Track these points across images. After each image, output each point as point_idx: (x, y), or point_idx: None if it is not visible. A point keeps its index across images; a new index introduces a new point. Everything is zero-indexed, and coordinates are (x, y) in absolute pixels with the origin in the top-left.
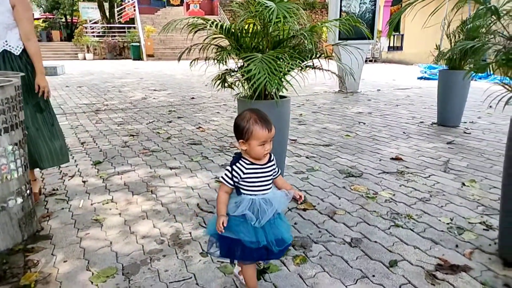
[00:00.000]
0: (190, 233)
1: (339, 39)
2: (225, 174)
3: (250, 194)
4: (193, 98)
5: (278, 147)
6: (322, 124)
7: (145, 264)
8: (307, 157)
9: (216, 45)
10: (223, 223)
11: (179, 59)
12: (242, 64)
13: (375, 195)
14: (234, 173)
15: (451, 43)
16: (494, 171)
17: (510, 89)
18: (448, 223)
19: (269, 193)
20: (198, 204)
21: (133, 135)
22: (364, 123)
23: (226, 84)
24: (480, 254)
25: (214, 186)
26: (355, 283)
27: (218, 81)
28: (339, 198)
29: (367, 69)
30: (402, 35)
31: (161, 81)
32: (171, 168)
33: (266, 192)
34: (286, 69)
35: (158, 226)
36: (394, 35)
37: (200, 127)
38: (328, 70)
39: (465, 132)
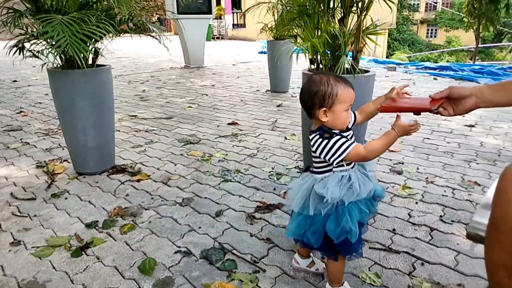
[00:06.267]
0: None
1: (179, 13)
2: (340, 144)
3: (347, 169)
4: (15, 81)
5: (104, 121)
6: (166, 98)
7: None
8: (146, 131)
9: (8, 7)
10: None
11: None
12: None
13: (209, 157)
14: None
15: (273, 15)
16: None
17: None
18: (269, 172)
19: None
20: (12, 193)
21: None
22: (207, 95)
23: (27, 53)
24: None
25: (35, 172)
26: (182, 237)
27: (15, 49)
28: (175, 165)
29: (214, 45)
30: (244, 13)
31: None
32: None
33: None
34: (97, 35)
35: None
36: (236, 13)
37: (21, 111)
38: (149, 35)
39: (292, 96)
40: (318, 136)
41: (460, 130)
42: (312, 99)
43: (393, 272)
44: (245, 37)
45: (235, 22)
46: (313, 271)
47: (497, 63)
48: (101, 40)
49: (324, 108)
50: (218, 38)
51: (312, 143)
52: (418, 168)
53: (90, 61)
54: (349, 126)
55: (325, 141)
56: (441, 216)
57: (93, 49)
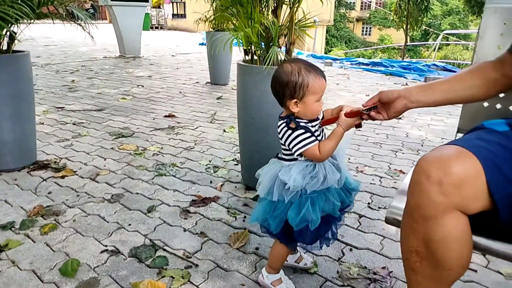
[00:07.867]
0: None
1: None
2: (303, 138)
3: None
4: None
5: (23, 112)
6: (97, 89)
7: None
8: (74, 124)
9: None
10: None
11: None
12: None
13: (143, 151)
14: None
15: (211, 5)
16: None
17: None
18: (206, 165)
19: None
20: None
21: None
22: (143, 86)
23: None
24: (229, 185)
25: None
26: (110, 236)
27: None
28: (105, 160)
29: (152, 35)
30: (185, 3)
31: None
32: None
33: None
34: (12, 18)
35: None
36: (177, 3)
37: None
38: (72, 21)
39: (232, 89)
40: (284, 125)
41: (388, 122)
42: (283, 90)
43: (324, 258)
44: (185, 28)
45: (175, 12)
46: (302, 266)
47: (423, 61)
48: (17, 24)
49: (295, 100)
50: (157, 28)
51: (278, 130)
52: (349, 158)
53: (5, 47)
54: (319, 117)
55: (289, 131)
56: (369, 203)
57: (8, 33)
